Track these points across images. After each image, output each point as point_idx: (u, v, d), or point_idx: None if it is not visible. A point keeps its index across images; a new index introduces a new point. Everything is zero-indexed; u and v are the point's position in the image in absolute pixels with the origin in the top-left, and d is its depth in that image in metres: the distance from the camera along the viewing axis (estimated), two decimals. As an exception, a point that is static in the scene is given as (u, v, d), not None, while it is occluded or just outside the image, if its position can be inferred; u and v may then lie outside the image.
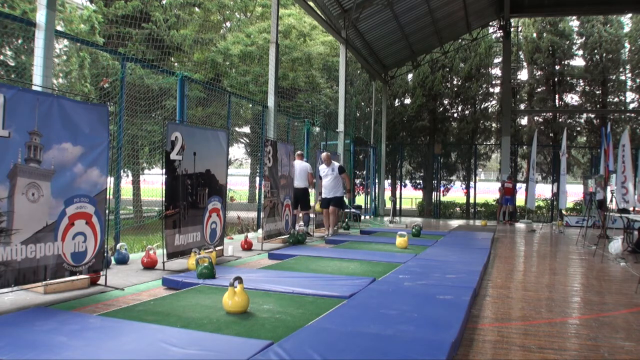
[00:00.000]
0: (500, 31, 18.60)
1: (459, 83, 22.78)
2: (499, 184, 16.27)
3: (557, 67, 22.56)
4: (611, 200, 9.33)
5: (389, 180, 22.07)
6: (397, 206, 20.86)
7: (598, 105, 22.58)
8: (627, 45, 22.21)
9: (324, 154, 9.21)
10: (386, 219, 15.14)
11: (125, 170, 13.37)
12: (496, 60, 23.27)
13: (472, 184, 21.76)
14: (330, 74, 19.43)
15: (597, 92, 22.67)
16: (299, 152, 9.38)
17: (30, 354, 2.65)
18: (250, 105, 17.80)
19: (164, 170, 5.37)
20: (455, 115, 23.63)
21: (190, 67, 17.91)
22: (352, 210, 13.80)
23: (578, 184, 23.99)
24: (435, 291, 4.31)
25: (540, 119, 23.46)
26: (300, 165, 9.03)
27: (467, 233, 10.59)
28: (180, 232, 5.56)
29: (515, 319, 3.96)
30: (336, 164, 9.21)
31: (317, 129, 14.91)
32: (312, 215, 9.83)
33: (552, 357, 3.07)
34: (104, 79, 12.13)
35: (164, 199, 5.33)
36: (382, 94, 19.49)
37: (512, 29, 18.92)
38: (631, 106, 22.60)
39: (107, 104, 4.59)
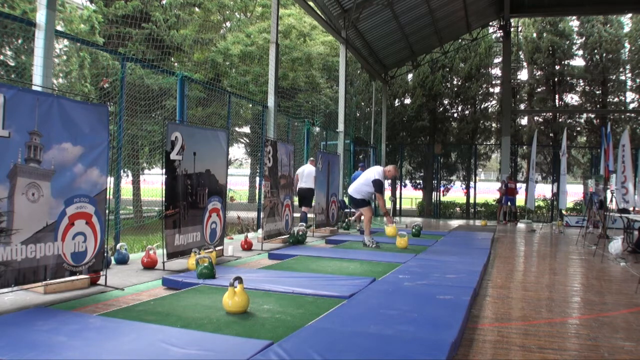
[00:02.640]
0: (500, 31, 18.61)
1: (459, 83, 22.78)
2: (499, 184, 16.27)
3: (557, 67, 22.57)
4: (611, 200, 9.33)
5: (389, 180, 22.05)
6: (397, 206, 20.87)
7: (598, 105, 22.59)
8: (627, 45, 22.22)
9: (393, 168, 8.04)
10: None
11: (125, 170, 13.36)
12: (496, 60, 23.28)
13: (472, 184, 21.76)
14: (330, 74, 19.43)
15: (597, 92, 22.68)
16: (311, 158, 10.46)
17: (30, 354, 2.65)
18: (250, 105, 17.80)
19: (164, 170, 5.37)
20: (455, 115, 23.63)
21: (190, 67, 17.91)
22: (352, 210, 13.79)
23: (578, 184, 23.99)
24: (435, 291, 4.31)
25: (540, 119, 23.46)
26: (309, 169, 10.11)
27: (467, 233, 10.60)
28: (180, 232, 5.56)
29: (515, 319, 3.96)
30: None
31: (317, 129, 14.91)
32: (309, 215, 10.44)
33: (552, 357, 3.07)
34: (104, 79, 12.12)
35: (164, 199, 5.33)
36: (382, 94, 19.49)
37: (512, 29, 18.93)
38: (631, 106, 22.61)
39: (107, 104, 4.59)
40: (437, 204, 20.46)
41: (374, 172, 7.87)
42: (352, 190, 8.08)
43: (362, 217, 8.18)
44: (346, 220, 11.90)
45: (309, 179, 10.05)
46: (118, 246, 5.86)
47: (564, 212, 15.81)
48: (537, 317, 4.04)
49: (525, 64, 23.51)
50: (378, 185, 7.69)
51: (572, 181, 27.26)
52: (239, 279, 3.69)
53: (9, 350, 2.68)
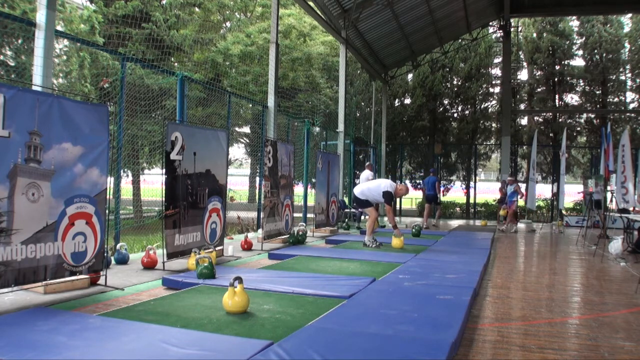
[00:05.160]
0: (500, 31, 18.59)
1: (459, 83, 22.78)
2: (499, 184, 16.24)
3: (557, 67, 22.56)
4: (611, 200, 9.33)
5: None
6: (398, 206, 20.86)
7: (598, 105, 22.58)
8: (627, 45, 22.21)
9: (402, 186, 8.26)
10: (386, 219, 15.11)
11: (125, 170, 13.36)
12: (496, 60, 23.27)
13: (472, 184, 21.76)
14: (330, 74, 19.43)
15: (597, 92, 22.67)
16: (368, 163, 12.59)
17: (30, 354, 2.65)
18: (250, 105, 17.80)
19: (164, 170, 5.37)
20: (455, 115, 23.63)
21: (190, 67, 17.91)
22: (352, 210, 13.80)
23: (578, 184, 23.99)
24: (435, 291, 4.31)
25: (540, 119, 23.45)
26: (366, 174, 11.24)
27: (467, 233, 10.60)
28: (180, 232, 5.56)
29: (515, 319, 3.96)
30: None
31: (317, 129, 14.91)
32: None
33: (552, 357, 3.07)
34: (104, 79, 12.12)
35: (164, 199, 5.33)
36: (382, 94, 19.49)
37: (512, 29, 18.91)
38: (631, 106, 22.60)
39: (107, 104, 4.59)
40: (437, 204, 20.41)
41: (387, 183, 7.90)
42: (357, 191, 8.06)
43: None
44: (346, 220, 11.91)
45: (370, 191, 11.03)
46: (118, 246, 5.86)
47: (564, 212, 15.80)
48: (537, 317, 4.04)
49: (525, 64, 23.50)
50: (388, 197, 7.75)
51: (572, 181, 27.26)
52: (239, 279, 3.68)
53: (9, 350, 2.68)
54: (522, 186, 16.17)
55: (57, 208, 4.01)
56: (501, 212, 13.12)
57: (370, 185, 8.10)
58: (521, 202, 18.09)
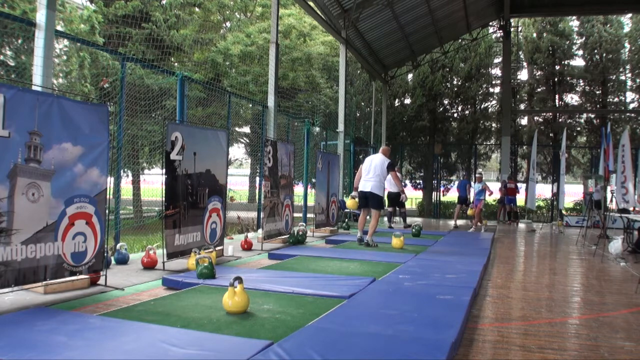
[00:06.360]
0: (500, 31, 18.61)
1: (459, 83, 22.79)
2: (499, 184, 16.25)
3: (557, 67, 22.58)
4: (611, 200, 9.33)
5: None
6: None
7: (598, 105, 22.60)
8: (627, 45, 22.24)
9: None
10: (386, 219, 15.12)
11: (125, 170, 13.36)
12: (496, 60, 23.29)
13: (472, 184, 21.74)
14: (330, 74, 19.43)
15: (597, 92, 22.70)
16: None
17: (30, 354, 2.65)
18: (250, 105, 17.80)
19: (164, 170, 5.37)
20: (455, 115, 23.65)
21: (190, 67, 17.92)
22: (352, 210, 13.80)
23: (578, 184, 23.99)
24: (435, 291, 4.30)
25: (540, 119, 23.47)
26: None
27: (467, 233, 10.60)
28: (180, 232, 5.56)
29: (515, 319, 3.96)
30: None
31: (317, 129, 14.92)
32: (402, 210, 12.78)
33: (552, 357, 3.07)
34: (104, 79, 12.12)
35: (164, 199, 5.33)
36: (382, 94, 19.49)
37: (512, 29, 18.93)
38: (631, 106, 22.62)
39: (107, 104, 4.59)
40: (437, 204, 20.45)
41: (380, 158, 7.82)
42: (371, 185, 7.69)
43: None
44: (346, 220, 11.91)
45: (390, 183, 10.71)
46: (118, 246, 5.86)
47: (564, 212, 15.79)
48: (537, 317, 4.04)
49: (525, 64, 23.52)
50: (392, 165, 7.81)
51: (572, 181, 27.26)
52: (239, 279, 3.68)
53: (9, 350, 2.68)
54: (492, 185, 16.10)
55: (57, 208, 4.01)
56: (469, 212, 13.33)
57: (377, 172, 7.76)
58: (521, 202, 18.15)
